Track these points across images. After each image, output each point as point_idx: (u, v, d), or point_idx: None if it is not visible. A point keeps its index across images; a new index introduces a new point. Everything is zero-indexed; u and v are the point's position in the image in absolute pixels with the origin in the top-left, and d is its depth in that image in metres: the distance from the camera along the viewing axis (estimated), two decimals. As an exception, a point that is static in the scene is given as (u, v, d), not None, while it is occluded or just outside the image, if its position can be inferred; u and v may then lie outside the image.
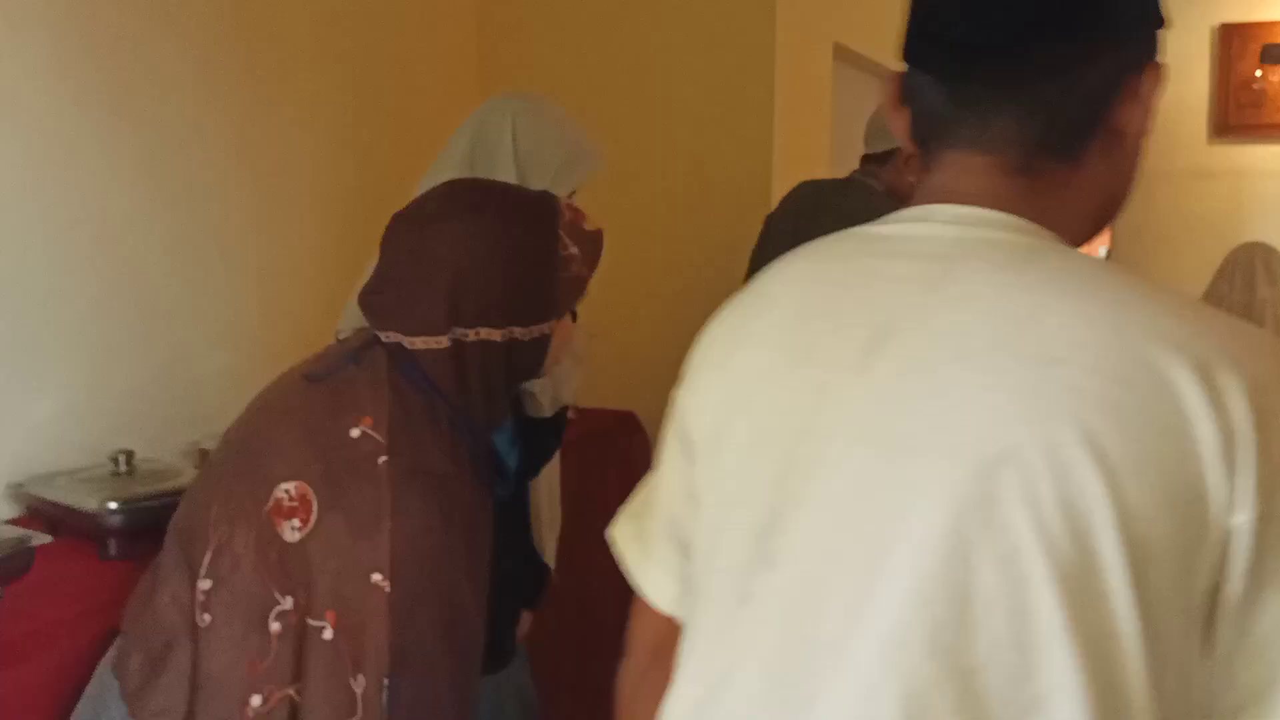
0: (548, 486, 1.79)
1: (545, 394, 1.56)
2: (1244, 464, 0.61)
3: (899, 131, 0.82)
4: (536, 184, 1.56)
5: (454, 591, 1.13)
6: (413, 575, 1.10)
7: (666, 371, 2.96)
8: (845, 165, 3.83)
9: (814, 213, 2.46)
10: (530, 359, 1.21)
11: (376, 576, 1.09)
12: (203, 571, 1.14)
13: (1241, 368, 0.62)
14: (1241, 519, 0.61)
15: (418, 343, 1.16)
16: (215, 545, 1.14)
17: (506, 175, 1.57)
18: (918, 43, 0.78)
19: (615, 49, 2.99)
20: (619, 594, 2.89)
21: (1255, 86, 6.31)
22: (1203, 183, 6.49)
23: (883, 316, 0.70)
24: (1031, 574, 0.61)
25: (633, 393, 2.93)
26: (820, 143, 3.34)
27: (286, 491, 1.12)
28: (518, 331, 1.17)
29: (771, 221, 2.59)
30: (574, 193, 1.66)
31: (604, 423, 2.70)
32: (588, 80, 3.01)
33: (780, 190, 2.95)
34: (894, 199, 2.44)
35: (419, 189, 1.68)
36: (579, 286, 1.22)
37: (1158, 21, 0.75)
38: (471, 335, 1.16)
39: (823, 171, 3.36)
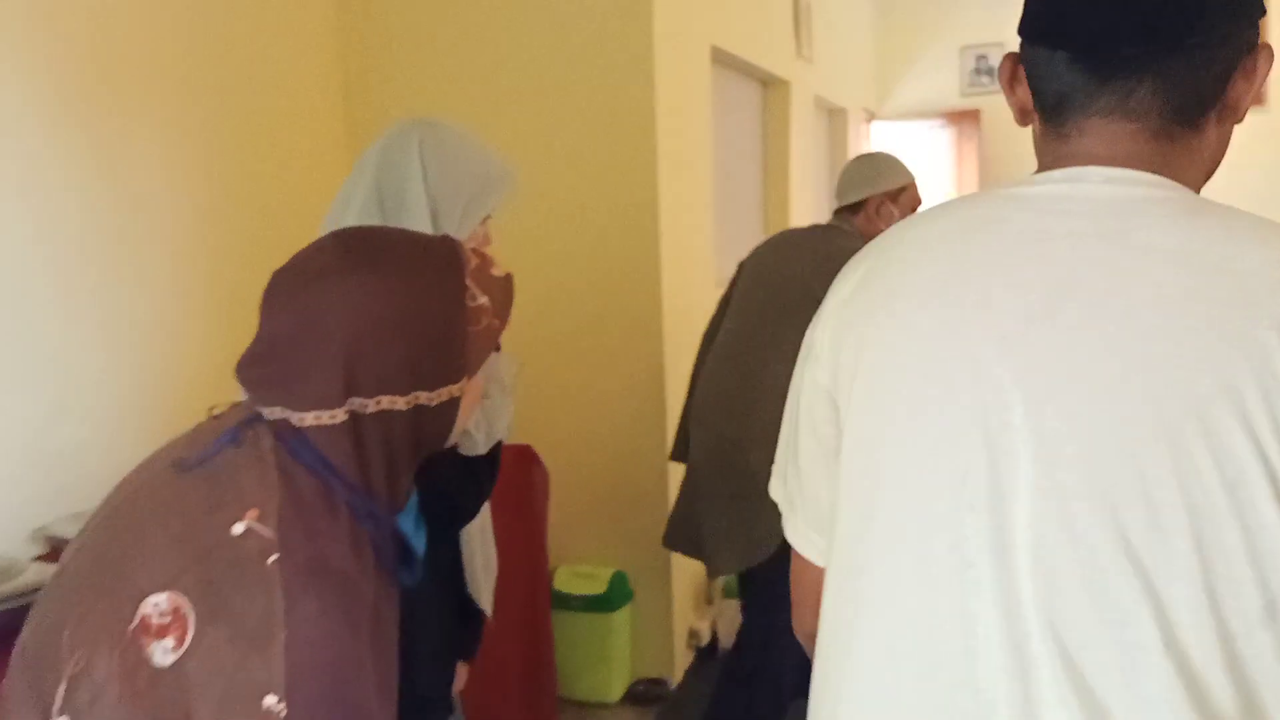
0: (480, 528, 1.70)
1: (480, 429, 1.49)
2: None
3: (1017, 104, 0.90)
4: (450, 212, 1.49)
5: (360, 707, 0.97)
6: (313, 694, 0.93)
7: (559, 397, 2.82)
8: (725, 167, 3.78)
9: (789, 253, 2.60)
10: (439, 426, 1.05)
11: (270, 699, 0.92)
12: (56, 706, 0.96)
13: None
14: None
15: (308, 418, 0.99)
16: (71, 674, 0.95)
17: (418, 205, 1.49)
18: (1052, 23, 0.85)
19: (489, 66, 2.85)
20: (524, 634, 2.72)
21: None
22: (1062, 165, 6.70)
23: (1062, 270, 0.77)
24: (1257, 494, 0.69)
25: (525, 425, 2.79)
26: (703, 146, 3.26)
27: (156, 605, 0.94)
28: (424, 397, 1.01)
29: (743, 267, 2.67)
30: (489, 217, 1.58)
31: (501, 458, 2.54)
32: (461, 98, 2.85)
33: (667, 196, 2.85)
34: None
35: (321, 231, 1.55)
36: (491, 339, 1.07)
37: (1262, 10, 0.85)
38: (372, 406, 0.99)
39: (705, 173, 3.29)
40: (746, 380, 2.47)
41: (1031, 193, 0.83)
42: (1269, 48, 0.85)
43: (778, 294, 2.50)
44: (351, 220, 1.51)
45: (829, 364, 0.88)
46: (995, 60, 6.76)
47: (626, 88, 2.75)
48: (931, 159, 6.94)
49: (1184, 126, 0.83)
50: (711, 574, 2.60)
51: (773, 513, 2.39)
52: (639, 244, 2.84)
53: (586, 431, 2.94)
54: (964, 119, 6.75)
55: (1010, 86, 0.91)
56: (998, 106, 6.84)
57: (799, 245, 2.62)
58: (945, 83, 6.93)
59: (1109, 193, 0.80)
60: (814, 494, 0.93)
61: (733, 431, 2.45)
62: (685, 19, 3.02)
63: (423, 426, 1.02)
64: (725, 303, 2.69)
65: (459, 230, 1.53)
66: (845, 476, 0.86)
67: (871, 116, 6.79)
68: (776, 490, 1.01)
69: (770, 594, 2.42)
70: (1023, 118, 0.91)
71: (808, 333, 0.93)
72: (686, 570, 3.21)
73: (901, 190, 2.66)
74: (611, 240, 2.84)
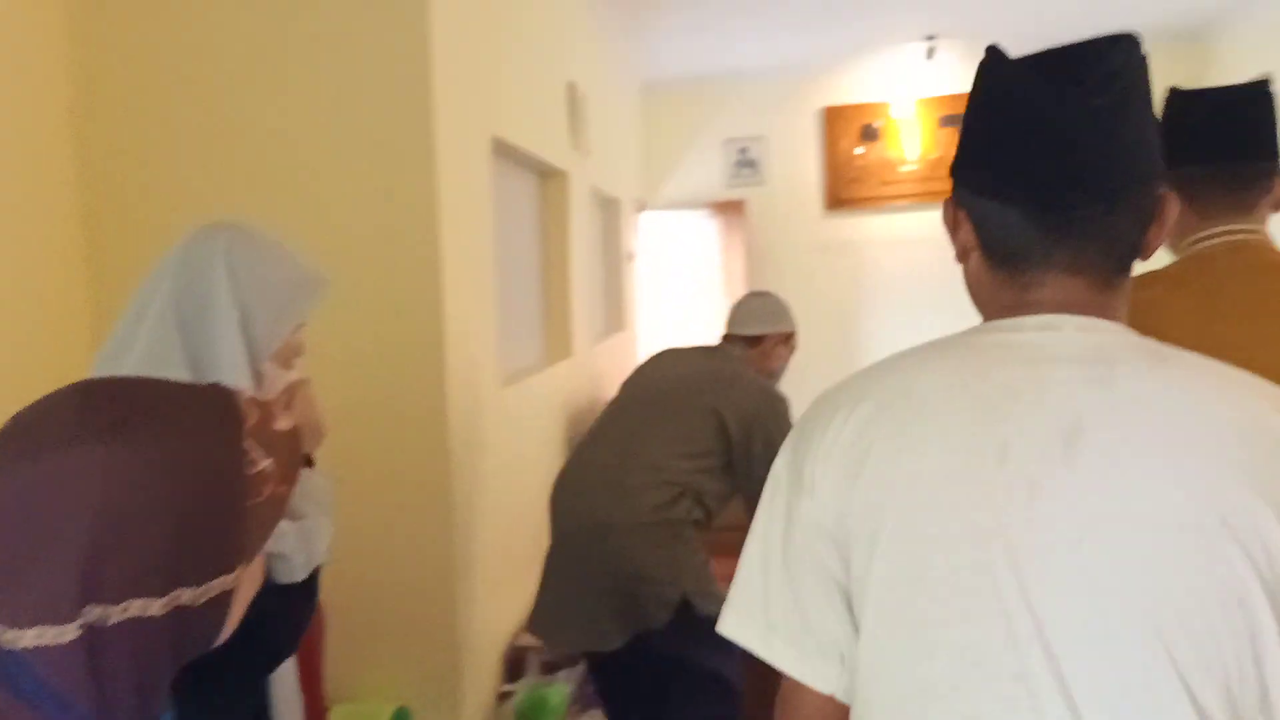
0: (290, 666, 1.58)
1: (297, 554, 1.40)
2: None
3: (959, 245, 1.01)
4: (261, 320, 1.42)
5: None
6: None
7: (335, 515, 2.56)
8: (506, 261, 3.65)
9: (681, 363, 2.74)
10: (206, 628, 0.82)
11: None
12: None
13: None
14: None
15: (28, 636, 0.74)
16: None
17: (225, 314, 1.39)
18: (1005, 181, 0.95)
19: (260, 162, 2.60)
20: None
21: (858, 163, 6.92)
22: (822, 253, 7.01)
23: (1069, 417, 0.87)
24: (1257, 607, 0.83)
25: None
26: (486, 239, 3.12)
27: None
28: (187, 595, 0.79)
29: (626, 385, 2.81)
30: (302, 325, 1.52)
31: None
32: (227, 196, 2.58)
33: (451, 292, 2.69)
34: (760, 375, 2.79)
35: (95, 369, 1.37)
36: (276, 511, 0.85)
37: (1165, 163, 0.98)
38: (117, 614, 0.75)
39: (489, 267, 3.15)
40: (623, 467, 2.55)
41: (1017, 340, 0.93)
42: (1174, 195, 0.98)
43: (666, 395, 2.64)
44: (143, 340, 1.36)
45: (833, 504, 0.93)
46: (756, 153, 7.04)
47: (408, 180, 2.58)
48: (700, 248, 7.10)
49: (1121, 274, 0.97)
50: (595, 647, 2.59)
51: (653, 591, 2.44)
52: (422, 345, 2.65)
53: (364, 553, 2.68)
54: (730, 209, 6.95)
55: (954, 230, 1.01)
56: (761, 198, 7.11)
57: (692, 359, 2.79)
58: (710, 174, 7.14)
59: (1085, 340, 0.92)
60: (819, 626, 0.96)
61: (607, 516, 2.51)
62: (466, 109, 2.89)
63: (185, 632, 0.79)
64: (602, 420, 2.80)
65: (270, 339, 1.43)
66: (882, 613, 0.91)
67: (643, 206, 6.88)
68: (739, 626, 1.00)
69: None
70: (964, 256, 1.01)
71: (790, 466, 0.98)
72: (476, 699, 2.97)
73: (791, 334, 2.88)
74: (393, 343, 2.63)
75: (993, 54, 0.98)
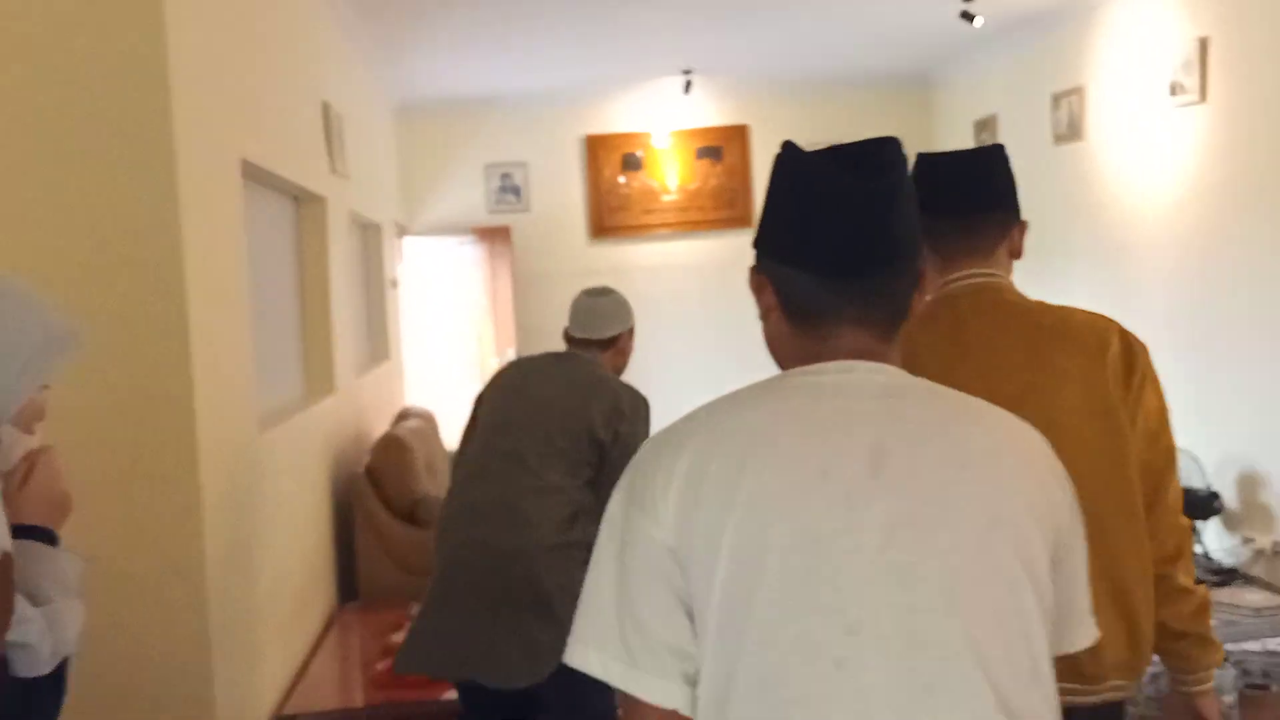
0: None
1: (44, 643, 1.30)
2: (1071, 512, 1.14)
3: (763, 305, 1.19)
4: (3, 380, 1.29)
5: None
6: None
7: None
8: (260, 289, 3.39)
9: (546, 376, 2.75)
10: None
11: None
12: None
13: (1059, 460, 1.16)
14: (1066, 537, 1.13)
15: None
16: None
17: None
18: (802, 250, 1.14)
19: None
20: None
21: (621, 191, 7.00)
22: (587, 280, 6.98)
23: (871, 441, 1.07)
24: (1024, 590, 1.06)
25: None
26: (236, 269, 2.88)
27: None
28: None
29: (481, 400, 2.80)
30: (47, 386, 1.41)
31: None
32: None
33: (199, 326, 2.46)
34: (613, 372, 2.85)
35: None
36: None
37: None
38: None
39: (241, 298, 2.91)
40: (518, 495, 2.54)
41: (823, 381, 1.12)
42: (930, 268, 1.24)
43: (541, 414, 2.63)
44: None
45: (675, 525, 1.06)
46: (519, 179, 6.98)
47: (145, 208, 2.33)
48: (464, 273, 6.95)
49: (897, 329, 1.16)
50: (499, 683, 2.49)
51: (555, 623, 2.38)
52: (167, 391, 2.39)
53: (104, 617, 2.37)
54: (495, 235, 6.85)
55: (758, 293, 1.19)
56: (526, 224, 7.04)
57: (552, 372, 2.77)
58: (473, 200, 7.02)
59: (877, 380, 1.12)
60: (659, 641, 1.06)
61: (506, 543, 2.51)
62: (211, 129, 2.66)
63: None
64: (465, 438, 2.78)
65: (10, 399, 1.29)
66: (725, 617, 1.04)
67: (403, 231, 6.66)
68: (583, 651, 1.09)
69: None
70: (766, 315, 1.19)
71: (626, 502, 1.10)
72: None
73: (633, 325, 2.88)
74: (132, 391, 2.35)
75: (789, 148, 1.16)
